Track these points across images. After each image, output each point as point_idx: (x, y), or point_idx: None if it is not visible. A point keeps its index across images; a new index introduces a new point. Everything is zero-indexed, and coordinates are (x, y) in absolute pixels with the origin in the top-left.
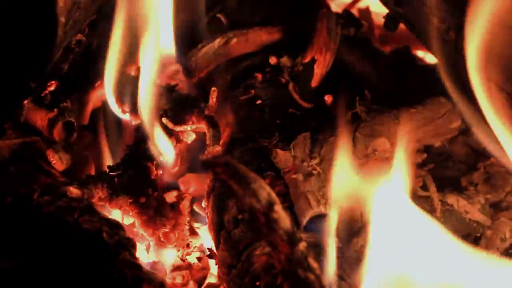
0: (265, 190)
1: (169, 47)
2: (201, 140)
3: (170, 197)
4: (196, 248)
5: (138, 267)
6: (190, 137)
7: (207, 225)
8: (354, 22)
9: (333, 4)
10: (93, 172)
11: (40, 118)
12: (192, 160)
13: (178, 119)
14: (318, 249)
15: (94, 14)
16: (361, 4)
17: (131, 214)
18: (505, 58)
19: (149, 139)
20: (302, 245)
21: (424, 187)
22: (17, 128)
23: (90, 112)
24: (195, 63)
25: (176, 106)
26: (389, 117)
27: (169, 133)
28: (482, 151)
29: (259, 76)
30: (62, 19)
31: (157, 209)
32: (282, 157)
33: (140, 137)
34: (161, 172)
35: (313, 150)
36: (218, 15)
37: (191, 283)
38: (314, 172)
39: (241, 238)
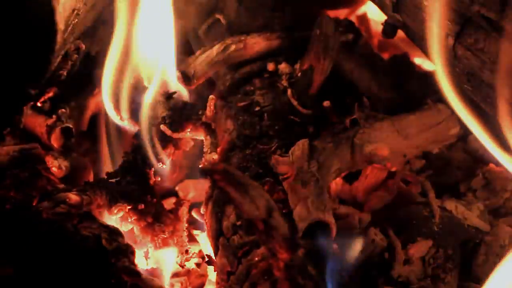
0: (263, 197)
1: (168, 54)
2: (199, 147)
3: (169, 203)
4: (195, 254)
5: (136, 273)
6: (189, 144)
7: (205, 232)
8: (352, 29)
9: (332, 11)
10: (92, 179)
11: (39, 125)
12: (190, 166)
13: (176, 126)
14: (317, 256)
15: (93, 21)
16: (360, 11)
17: (129, 220)
18: None
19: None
20: (301, 252)
21: (423, 193)
22: (16, 134)
23: (89, 118)
24: (194, 70)
25: (174, 113)
26: (387, 123)
27: (167, 140)
28: (481, 157)
29: (257, 82)
30: (61, 26)
31: (156, 215)
32: (281, 163)
33: (139, 144)
34: (159, 178)
35: (311, 156)
36: (218, 16)
37: None
38: (313, 178)
39: (239, 245)
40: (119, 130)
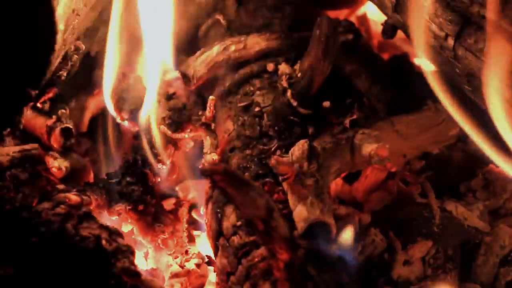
0: (263, 197)
1: (168, 54)
2: (199, 147)
3: (169, 204)
4: (195, 255)
5: (136, 274)
6: (189, 145)
7: (205, 232)
8: (352, 29)
9: (332, 11)
10: (91, 179)
11: (39, 125)
12: (190, 167)
13: (176, 127)
14: (317, 256)
15: (93, 22)
16: (360, 12)
17: (129, 221)
18: None
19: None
20: (301, 252)
21: (423, 194)
22: (16, 135)
23: (89, 119)
24: (194, 70)
25: (174, 114)
26: (387, 124)
27: (167, 140)
28: (481, 157)
29: (257, 83)
30: (61, 26)
31: (156, 216)
32: (281, 163)
33: (139, 145)
34: (159, 179)
35: (311, 156)
36: (218, 16)
37: None
38: (313, 178)
39: (239, 245)
40: (119, 130)
